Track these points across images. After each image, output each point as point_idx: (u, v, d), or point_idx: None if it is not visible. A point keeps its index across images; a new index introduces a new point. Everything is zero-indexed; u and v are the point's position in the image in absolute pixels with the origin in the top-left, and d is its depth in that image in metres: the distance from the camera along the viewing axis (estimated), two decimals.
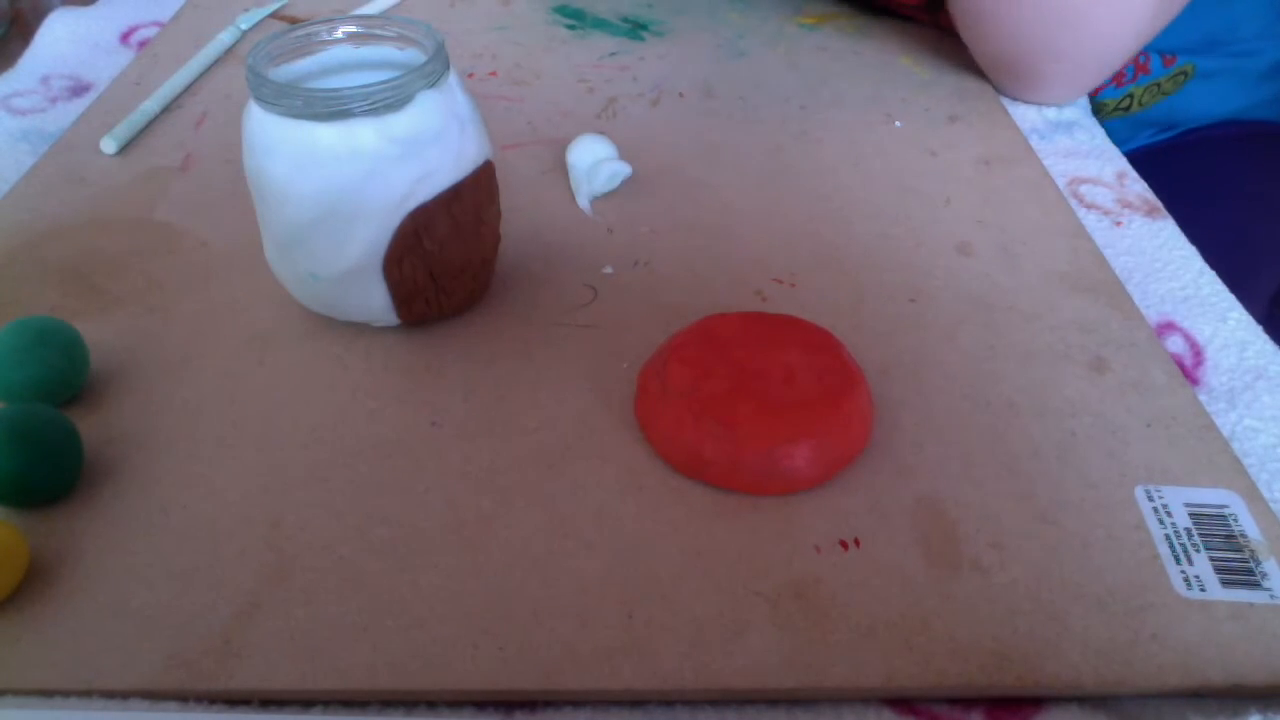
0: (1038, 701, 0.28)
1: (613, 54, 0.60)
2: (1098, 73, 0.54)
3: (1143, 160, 0.59)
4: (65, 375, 0.34)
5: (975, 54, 0.56)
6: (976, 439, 0.34)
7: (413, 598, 0.29)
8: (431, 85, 0.34)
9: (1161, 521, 0.31)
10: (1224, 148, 0.65)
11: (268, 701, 0.27)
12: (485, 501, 0.32)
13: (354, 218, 0.34)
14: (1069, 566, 0.30)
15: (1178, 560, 0.30)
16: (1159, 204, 0.48)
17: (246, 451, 0.34)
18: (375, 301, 0.37)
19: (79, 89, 0.58)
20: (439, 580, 0.30)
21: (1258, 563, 0.30)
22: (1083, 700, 0.28)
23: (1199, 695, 0.27)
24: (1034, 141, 0.53)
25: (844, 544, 0.31)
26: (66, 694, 0.27)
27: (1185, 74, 0.63)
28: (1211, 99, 0.65)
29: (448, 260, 0.36)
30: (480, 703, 0.27)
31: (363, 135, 0.33)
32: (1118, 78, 0.64)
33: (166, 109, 0.54)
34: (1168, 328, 0.41)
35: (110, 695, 0.27)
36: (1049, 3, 0.49)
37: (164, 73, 0.57)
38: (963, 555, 0.30)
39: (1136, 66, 0.63)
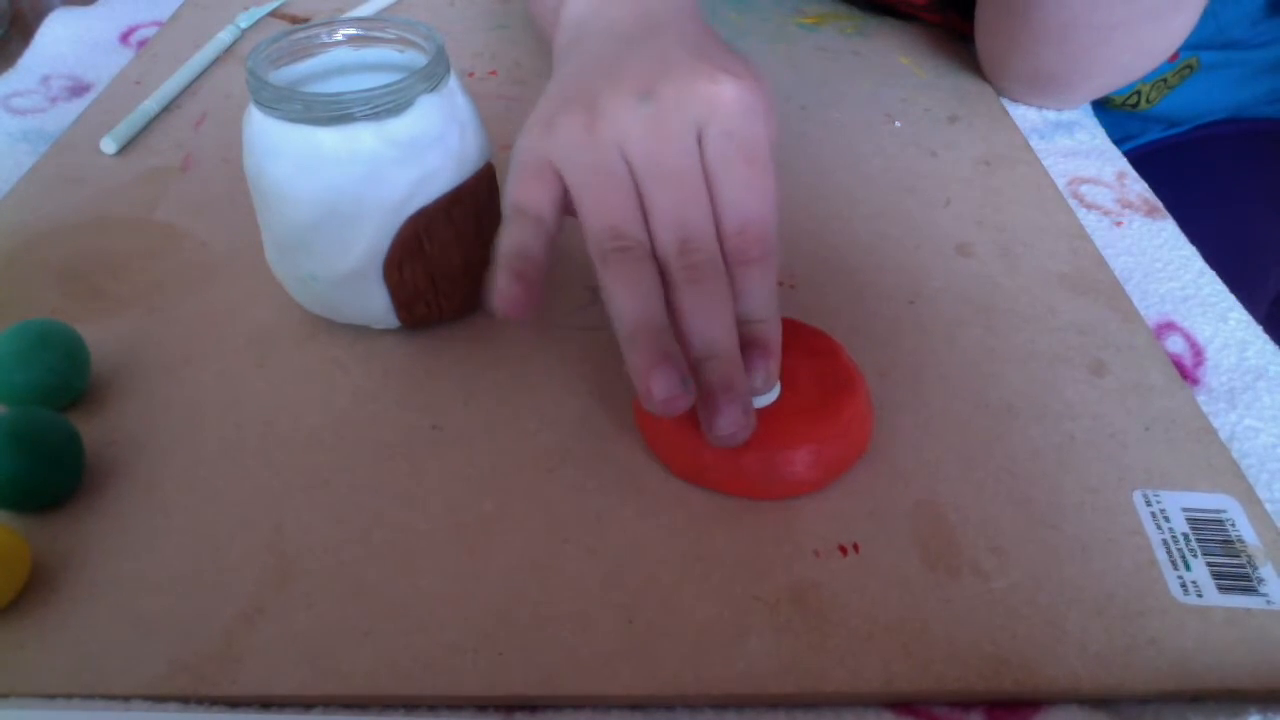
0: (1036, 704, 0.28)
1: None
2: (1125, 83, 0.54)
3: (1144, 160, 0.59)
4: (66, 379, 0.34)
5: (1002, 64, 0.55)
6: (975, 442, 0.34)
7: (414, 602, 0.29)
8: (432, 88, 0.34)
9: (1159, 526, 0.31)
10: (1226, 147, 0.65)
11: (269, 704, 0.27)
12: (486, 505, 0.32)
13: (354, 221, 0.34)
14: (1067, 571, 0.30)
15: (1175, 566, 0.30)
16: (1159, 204, 0.48)
17: (247, 454, 0.34)
18: (376, 304, 0.37)
19: (79, 89, 0.58)
20: (440, 584, 0.30)
21: (1255, 568, 0.30)
22: (1081, 702, 0.28)
23: (1198, 699, 0.28)
24: (1034, 141, 0.53)
25: (843, 549, 0.31)
26: (69, 697, 0.27)
27: (1191, 67, 0.64)
28: (1215, 92, 0.65)
29: (448, 263, 0.36)
30: (481, 706, 0.28)
31: (363, 138, 0.33)
32: None
33: (166, 109, 0.54)
34: (1168, 328, 0.41)
35: (112, 699, 0.27)
36: (1098, 22, 0.49)
37: (164, 72, 0.57)
38: (962, 559, 0.30)
39: None
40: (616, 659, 0.28)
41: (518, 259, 0.32)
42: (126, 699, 0.27)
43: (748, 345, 0.31)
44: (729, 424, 0.30)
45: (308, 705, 0.27)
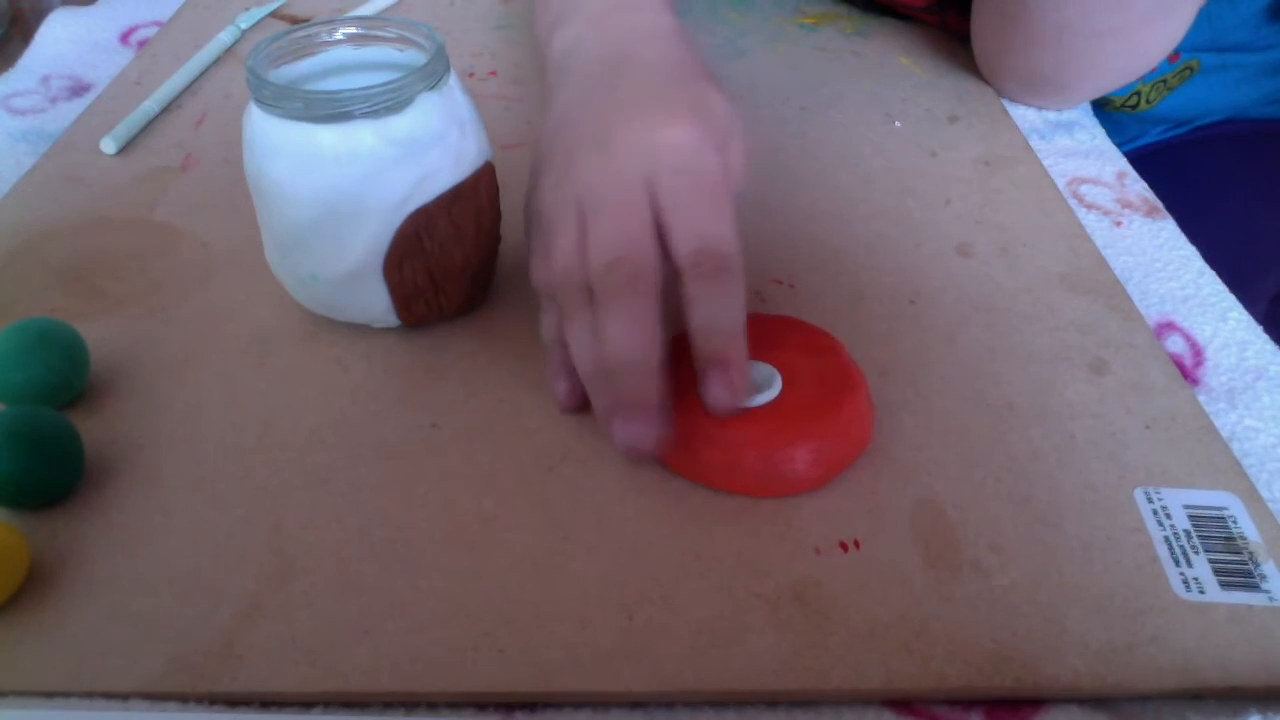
0: (1037, 702, 0.28)
1: None
2: (1120, 85, 0.54)
3: (1144, 160, 0.59)
4: (66, 377, 0.34)
5: (997, 65, 0.56)
6: (976, 441, 0.34)
7: (413, 600, 0.29)
8: (431, 87, 0.34)
9: (1161, 524, 0.31)
10: (1225, 146, 0.65)
11: (268, 703, 0.27)
12: (486, 503, 0.32)
13: (354, 219, 0.34)
14: (1068, 568, 0.30)
15: (1177, 562, 0.30)
16: (1159, 204, 0.48)
17: (247, 453, 0.34)
18: (376, 303, 0.37)
19: (79, 89, 0.58)
20: (439, 582, 0.30)
21: (1256, 565, 0.30)
22: (1082, 700, 0.28)
23: (1198, 697, 0.28)
24: (1034, 141, 0.53)
25: (844, 546, 0.31)
26: (67, 695, 0.27)
27: (1191, 69, 0.63)
28: (1216, 93, 0.65)
29: (448, 262, 0.36)
30: (481, 704, 0.28)
31: (363, 137, 0.33)
32: None
33: (166, 109, 0.54)
34: (1168, 328, 0.41)
35: (111, 697, 0.27)
36: (1090, 28, 0.49)
37: (164, 73, 0.57)
38: (962, 557, 0.30)
39: None
40: (616, 657, 0.28)
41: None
42: (125, 697, 0.27)
43: (706, 363, 0.31)
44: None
45: (308, 704, 0.27)
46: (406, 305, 0.37)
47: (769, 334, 0.35)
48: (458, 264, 0.37)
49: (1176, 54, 0.63)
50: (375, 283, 0.36)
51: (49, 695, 0.27)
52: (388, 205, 0.34)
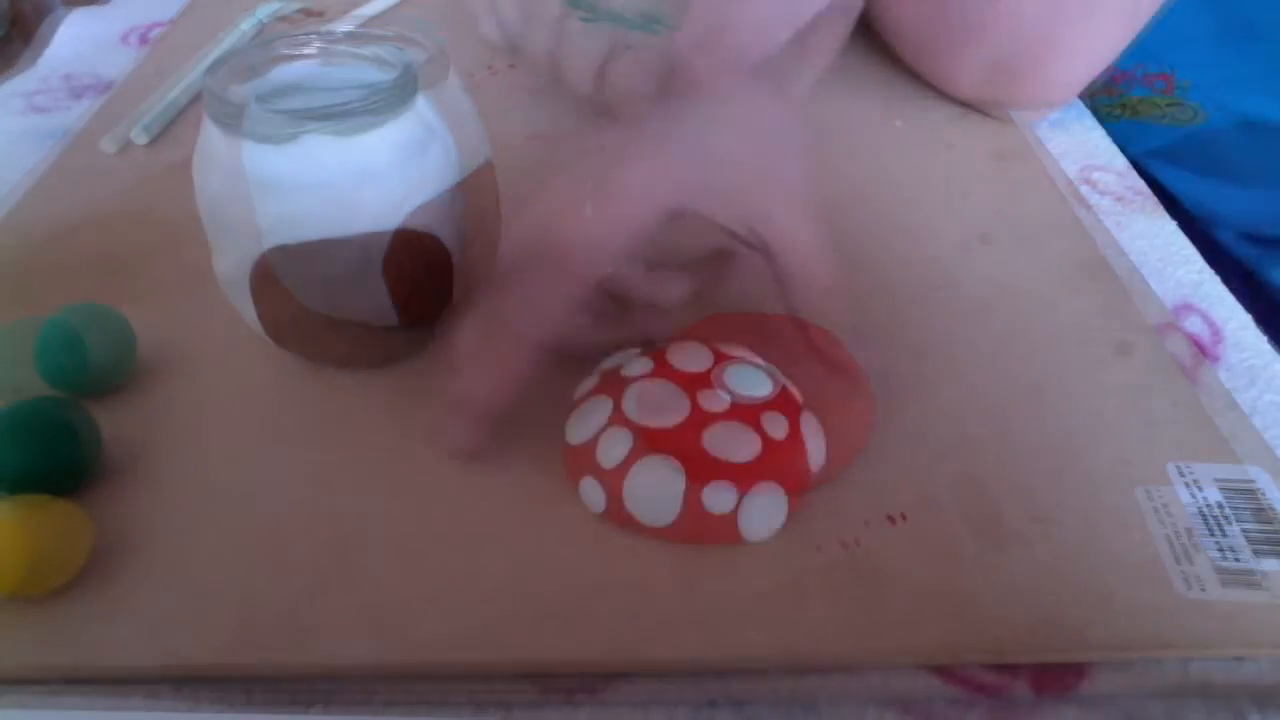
0: (1080, 670, 0.28)
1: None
2: (1086, 70, 0.53)
3: (1149, 153, 0.60)
4: (116, 361, 0.35)
5: (952, 69, 0.54)
6: (987, 431, 0.35)
7: (478, 572, 0.30)
8: (431, 86, 0.33)
9: (1194, 495, 0.32)
10: (1231, 138, 0.66)
11: (335, 677, 0.28)
12: (542, 478, 0.33)
13: (353, 220, 0.33)
14: (1105, 540, 0.31)
15: (1211, 533, 0.31)
16: (1169, 192, 0.49)
17: (292, 438, 0.34)
18: (376, 302, 0.35)
19: (101, 87, 0.58)
20: (502, 554, 0.30)
21: None
22: (1082, 700, 0.28)
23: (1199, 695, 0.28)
24: (1043, 133, 0.53)
25: (844, 544, 0.31)
26: (140, 673, 0.28)
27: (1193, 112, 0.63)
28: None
29: (447, 260, 0.36)
30: (480, 702, 0.28)
31: (361, 138, 0.32)
32: (1111, 87, 0.64)
33: (190, 102, 0.54)
34: (1185, 309, 0.42)
35: (110, 696, 0.27)
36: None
37: (184, 67, 0.57)
38: (964, 555, 0.31)
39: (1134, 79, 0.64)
40: (681, 625, 0.28)
41: None
42: (194, 676, 0.28)
43: None
44: None
45: (308, 704, 0.27)
46: (406, 304, 0.36)
47: (770, 332, 0.36)
48: (457, 263, 0.36)
49: (1171, 73, 0.62)
50: (375, 282, 0.35)
51: (120, 679, 0.28)
52: (387, 205, 0.33)
